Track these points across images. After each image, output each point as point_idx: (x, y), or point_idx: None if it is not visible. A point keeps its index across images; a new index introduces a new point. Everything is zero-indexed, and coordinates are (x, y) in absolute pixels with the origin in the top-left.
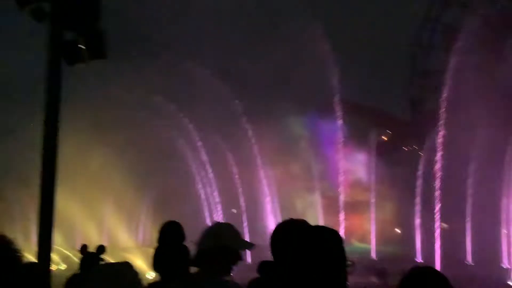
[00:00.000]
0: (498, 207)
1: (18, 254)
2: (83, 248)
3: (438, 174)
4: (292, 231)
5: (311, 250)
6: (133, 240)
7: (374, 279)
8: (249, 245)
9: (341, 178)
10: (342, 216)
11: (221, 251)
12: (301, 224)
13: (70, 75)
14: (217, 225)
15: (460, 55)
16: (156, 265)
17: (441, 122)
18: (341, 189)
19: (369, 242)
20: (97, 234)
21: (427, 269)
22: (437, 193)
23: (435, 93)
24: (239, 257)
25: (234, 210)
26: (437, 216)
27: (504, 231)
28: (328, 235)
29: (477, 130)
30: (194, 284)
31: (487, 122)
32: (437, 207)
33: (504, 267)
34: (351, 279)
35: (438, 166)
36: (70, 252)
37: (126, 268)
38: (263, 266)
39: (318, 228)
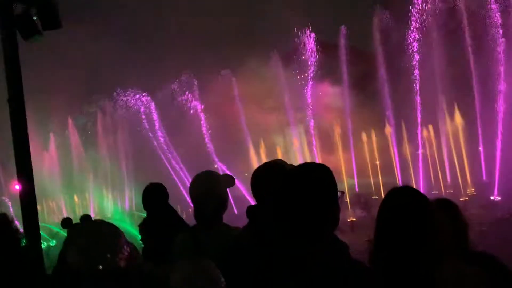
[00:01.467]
0: (473, 128)
1: (19, 234)
2: (65, 221)
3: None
4: (274, 172)
5: (301, 186)
6: (120, 207)
7: (358, 213)
8: (232, 181)
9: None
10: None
11: (211, 201)
12: (281, 164)
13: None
14: (202, 177)
15: None
16: (150, 231)
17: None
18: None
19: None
20: (83, 207)
21: (403, 188)
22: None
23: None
24: (226, 203)
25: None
26: (419, 142)
27: (479, 148)
28: (315, 171)
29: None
30: (199, 235)
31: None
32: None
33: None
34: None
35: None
36: (58, 228)
37: (107, 225)
38: (251, 210)
39: (304, 165)
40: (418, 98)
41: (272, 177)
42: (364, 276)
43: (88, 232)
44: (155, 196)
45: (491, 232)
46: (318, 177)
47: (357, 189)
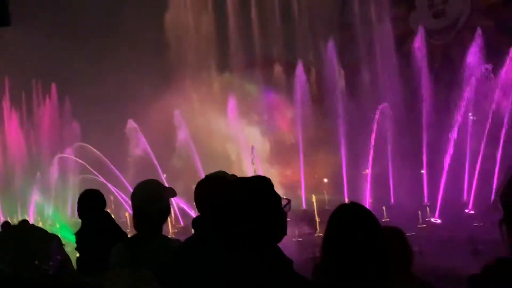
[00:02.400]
0: (417, 150)
1: None
2: (3, 226)
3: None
4: (212, 186)
5: (240, 197)
6: (62, 214)
7: (306, 229)
8: (173, 192)
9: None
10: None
11: (155, 209)
12: (220, 176)
13: None
14: (145, 185)
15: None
16: (85, 240)
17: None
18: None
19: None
20: (23, 212)
21: (352, 204)
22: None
23: (353, 45)
24: (168, 212)
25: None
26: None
27: (422, 171)
28: (255, 182)
29: (395, 80)
30: (138, 246)
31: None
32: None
33: (425, 204)
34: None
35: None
36: None
37: (36, 230)
38: (196, 221)
39: (242, 178)
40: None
41: (214, 188)
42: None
43: (15, 237)
44: (91, 203)
45: (429, 253)
46: (257, 187)
47: (304, 206)
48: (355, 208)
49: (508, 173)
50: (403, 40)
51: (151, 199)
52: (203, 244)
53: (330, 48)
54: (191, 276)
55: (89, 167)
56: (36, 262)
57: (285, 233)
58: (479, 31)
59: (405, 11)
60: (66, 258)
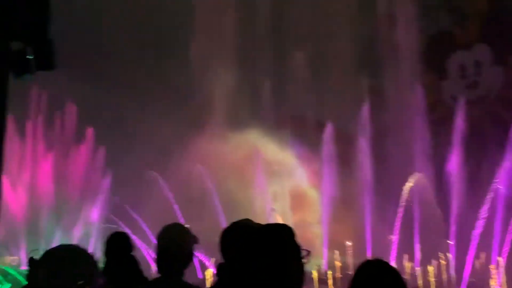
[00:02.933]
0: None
1: None
2: (31, 261)
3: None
4: (238, 233)
5: (261, 248)
6: None
7: None
8: (196, 239)
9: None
10: None
11: (176, 252)
12: (245, 224)
13: None
14: (172, 227)
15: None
16: (108, 277)
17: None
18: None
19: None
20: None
21: (378, 261)
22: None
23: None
24: (192, 257)
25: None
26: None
27: (448, 241)
28: (278, 232)
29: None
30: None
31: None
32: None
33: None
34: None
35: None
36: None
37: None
38: (220, 268)
39: (266, 226)
40: None
41: (239, 235)
42: None
43: (61, 258)
44: (119, 245)
45: None
46: (278, 236)
47: (325, 267)
48: (380, 264)
49: None
50: (432, 109)
51: (176, 241)
52: None
53: (365, 112)
54: None
55: (115, 219)
56: (80, 283)
57: (301, 285)
58: None
59: (437, 79)
60: (105, 284)
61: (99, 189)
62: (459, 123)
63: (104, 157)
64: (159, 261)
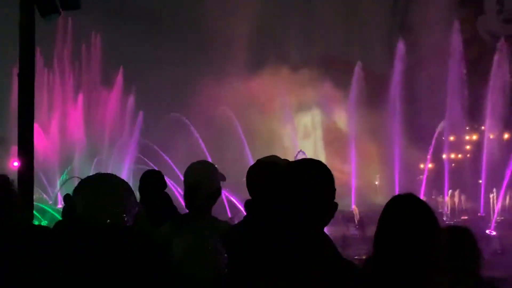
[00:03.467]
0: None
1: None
2: (66, 198)
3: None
4: (263, 170)
5: (289, 185)
6: None
7: (352, 230)
8: (223, 177)
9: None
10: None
11: (202, 189)
12: (272, 161)
13: None
14: (199, 164)
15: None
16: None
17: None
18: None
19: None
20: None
21: (409, 195)
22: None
23: (415, 48)
24: (219, 193)
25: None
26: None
27: (479, 181)
28: (313, 167)
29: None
30: (186, 224)
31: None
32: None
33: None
34: (332, 230)
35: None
36: (48, 207)
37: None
38: (248, 204)
39: (301, 161)
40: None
41: (265, 173)
42: (358, 277)
43: (98, 187)
44: (153, 182)
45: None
46: (315, 172)
47: (353, 207)
48: (411, 197)
49: None
50: (468, 45)
51: (203, 178)
52: (256, 226)
53: (400, 49)
54: (241, 257)
55: (146, 160)
56: (117, 210)
57: (333, 216)
58: None
59: (472, 14)
60: (142, 211)
61: (129, 132)
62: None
63: (134, 100)
64: (186, 198)
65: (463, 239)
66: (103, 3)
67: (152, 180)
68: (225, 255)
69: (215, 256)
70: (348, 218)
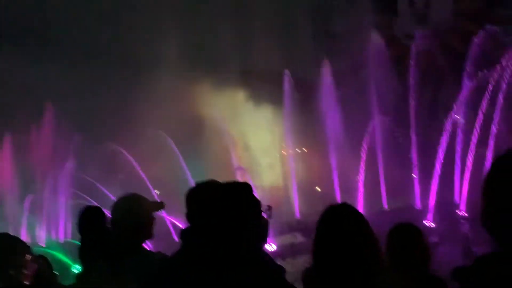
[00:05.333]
0: (406, 154)
1: None
2: None
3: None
4: (200, 194)
5: (218, 208)
6: (53, 236)
7: (299, 238)
8: (160, 206)
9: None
10: None
11: (132, 224)
12: (207, 185)
13: None
14: (123, 199)
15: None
16: (82, 254)
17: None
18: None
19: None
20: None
21: (342, 205)
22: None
23: (340, 54)
24: (151, 229)
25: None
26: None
27: (413, 175)
28: (234, 190)
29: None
30: (117, 262)
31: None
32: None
33: (417, 208)
34: (280, 240)
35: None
36: None
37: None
38: (184, 233)
39: (224, 185)
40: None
41: (201, 197)
42: None
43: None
44: (92, 219)
45: None
46: (236, 195)
47: (297, 215)
48: (343, 207)
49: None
50: (388, 47)
51: (128, 212)
52: (189, 255)
53: (325, 68)
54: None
55: (83, 195)
56: (11, 272)
57: (265, 240)
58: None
59: (388, 18)
60: (44, 266)
61: (63, 168)
62: (414, 59)
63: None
64: (114, 234)
65: (408, 235)
66: (25, 38)
67: (91, 217)
68: None
69: None
70: (295, 227)
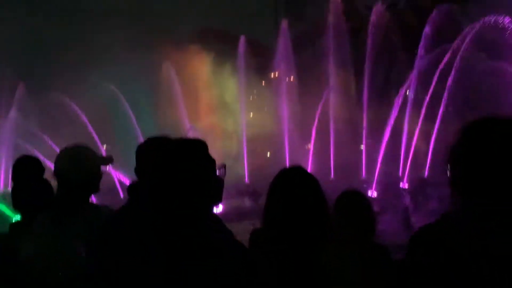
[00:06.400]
0: (355, 126)
1: None
2: None
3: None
4: (151, 149)
5: (170, 163)
6: None
7: (247, 202)
8: (108, 160)
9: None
10: None
11: (79, 175)
12: (161, 140)
13: None
14: (69, 149)
15: None
16: (16, 204)
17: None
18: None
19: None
20: None
21: (293, 167)
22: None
23: (301, 20)
24: (98, 183)
25: None
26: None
27: (361, 147)
28: (190, 146)
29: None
30: (61, 215)
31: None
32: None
33: (363, 179)
34: (227, 204)
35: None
36: None
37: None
38: (132, 188)
39: (177, 141)
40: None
41: (152, 151)
42: (243, 256)
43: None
44: (28, 170)
45: None
46: (191, 149)
47: (246, 180)
48: (296, 170)
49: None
50: (347, 19)
51: (74, 163)
52: (137, 210)
53: (283, 27)
54: (121, 243)
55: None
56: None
57: (220, 199)
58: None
59: None
60: None
61: (5, 116)
62: (372, 32)
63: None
64: (58, 188)
65: (355, 202)
66: None
67: (24, 167)
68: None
69: (70, 256)
70: (243, 191)
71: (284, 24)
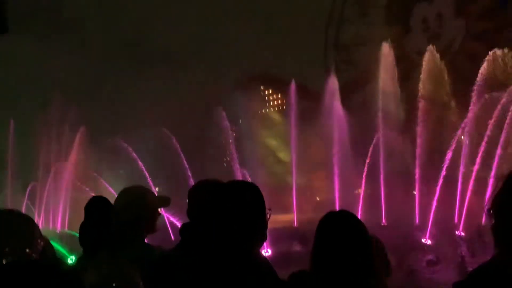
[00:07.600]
0: (408, 170)
1: None
2: None
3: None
4: (202, 192)
5: (224, 205)
6: (50, 226)
7: (297, 247)
8: (166, 201)
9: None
10: None
11: (135, 215)
12: (213, 183)
13: None
14: (128, 189)
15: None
16: (81, 240)
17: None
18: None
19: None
20: None
21: (340, 211)
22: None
23: (349, 66)
24: (154, 224)
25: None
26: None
27: (414, 192)
28: (242, 189)
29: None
30: (117, 252)
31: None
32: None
33: (416, 225)
34: (276, 249)
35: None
36: None
37: (18, 215)
38: (184, 228)
39: (230, 184)
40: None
41: (204, 194)
42: None
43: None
44: (100, 208)
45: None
46: (244, 195)
47: (295, 224)
48: (343, 214)
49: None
50: (397, 63)
51: (131, 203)
52: (189, 251)
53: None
54: (174, 282)
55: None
56: (19, 248)
57: (265, 239)
58: None
59: (401, 33)
60: (48, 244)
61: (67, 159)
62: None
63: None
64: (116, 225)
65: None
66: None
67: (95, 207)
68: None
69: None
70: (292, 235)
71: (331, 74)
